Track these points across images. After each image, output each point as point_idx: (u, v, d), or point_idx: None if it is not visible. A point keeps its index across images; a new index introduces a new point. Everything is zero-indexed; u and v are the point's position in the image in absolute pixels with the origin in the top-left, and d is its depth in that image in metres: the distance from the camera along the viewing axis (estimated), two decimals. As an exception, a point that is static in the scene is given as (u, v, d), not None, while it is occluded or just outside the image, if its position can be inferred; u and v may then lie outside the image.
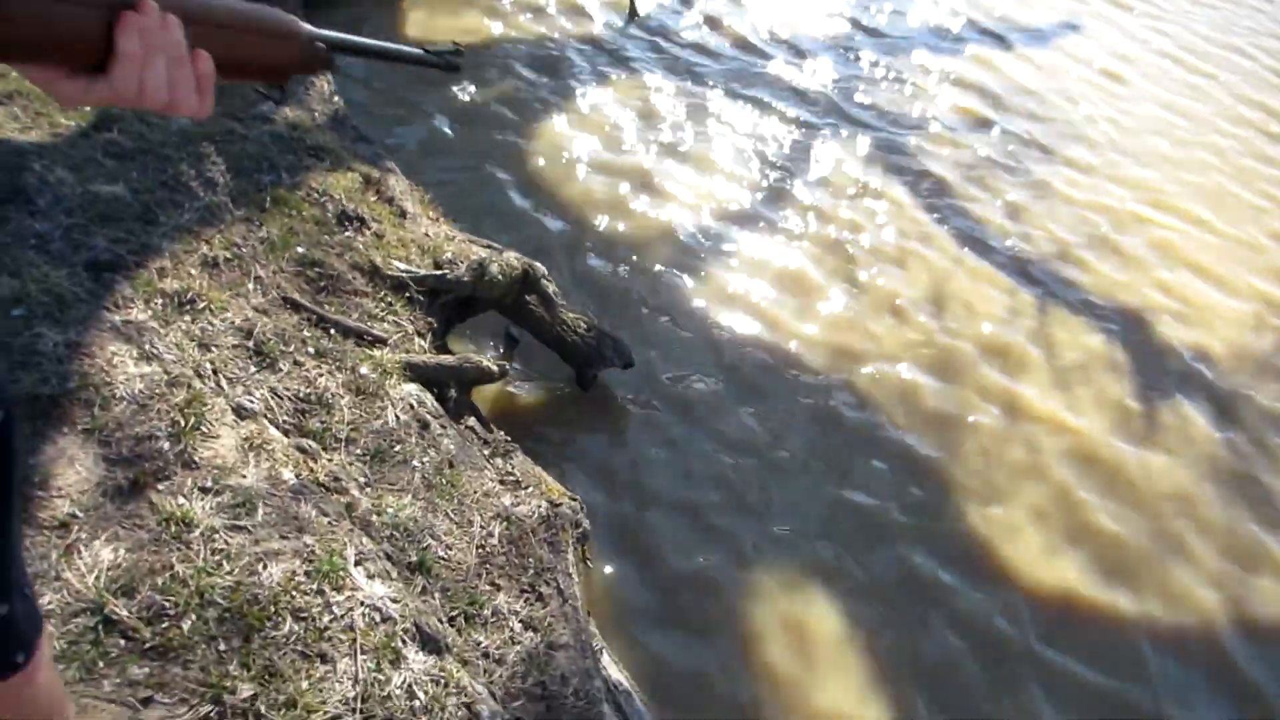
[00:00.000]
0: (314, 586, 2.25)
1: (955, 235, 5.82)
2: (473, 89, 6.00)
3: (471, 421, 3.37)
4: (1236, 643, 3.92)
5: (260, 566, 2.26)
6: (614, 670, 2.97)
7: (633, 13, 7.23)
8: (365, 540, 2.45)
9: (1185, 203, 6.68)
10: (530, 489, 3.02)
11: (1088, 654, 3.73)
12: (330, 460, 2.71)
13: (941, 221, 5.90)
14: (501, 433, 3.32)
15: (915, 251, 5.59)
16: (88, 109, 3.92)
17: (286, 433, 2.76)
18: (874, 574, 3.80)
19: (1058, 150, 6.94)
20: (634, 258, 5.01)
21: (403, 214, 4.02)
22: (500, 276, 3.77)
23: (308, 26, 1.03)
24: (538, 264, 4.01)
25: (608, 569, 3.51)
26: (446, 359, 3.43)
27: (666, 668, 3.29)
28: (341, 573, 2.30)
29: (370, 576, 2.33)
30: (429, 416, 3.10)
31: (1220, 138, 7.63)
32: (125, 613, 2.09)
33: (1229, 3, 10.40)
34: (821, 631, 3.57)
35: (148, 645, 2.06)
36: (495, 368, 3.59)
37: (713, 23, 7.50)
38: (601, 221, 5.19)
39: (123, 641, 2.06)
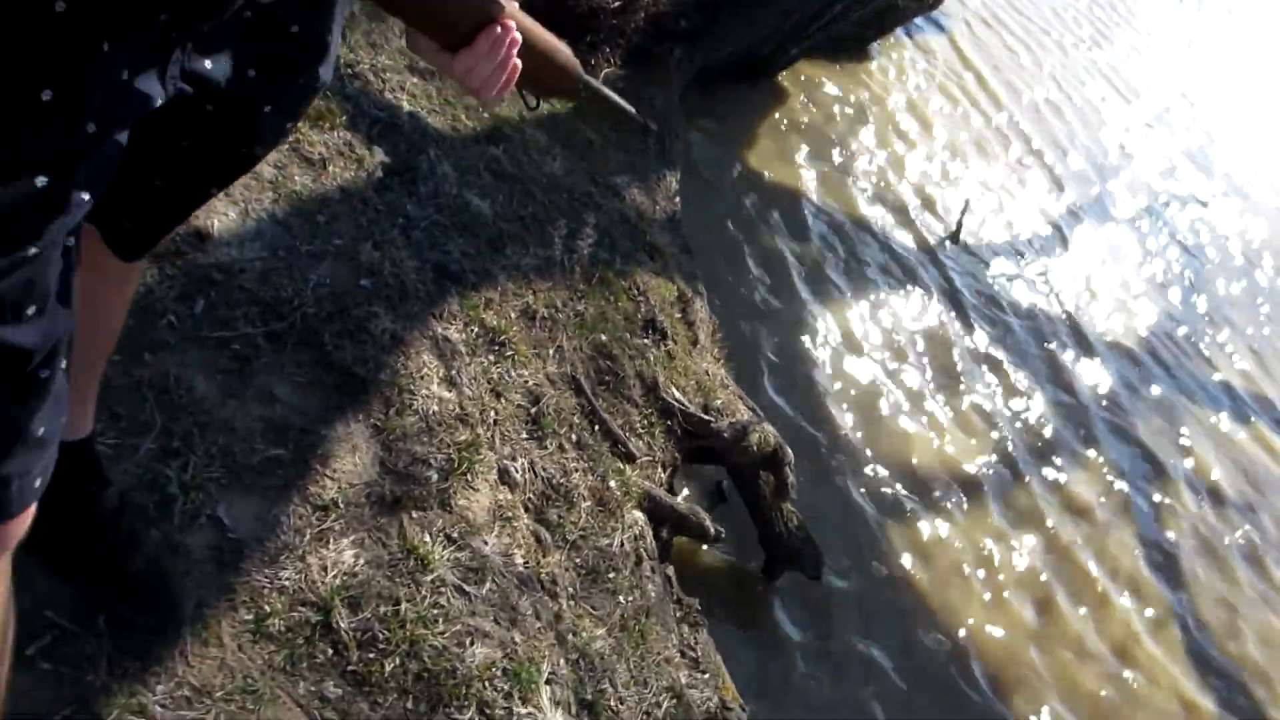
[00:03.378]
0: (505, 687, 2.24)
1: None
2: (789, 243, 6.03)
3: (670, 571, 3.34)
4: None
5: (468, 641, 2.26)
6: None
7: (955, 235, 7.15)
8: (560, 660, 2.43)
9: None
10: (707, 675, 2.96)
11: None
12: (553, 559, 2.72)
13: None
14: (696, 600, 3.27)
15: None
16: (486, 114, 4.15)
17: (528, 511, 2.79)
18: None
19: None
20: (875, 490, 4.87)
21: (694, 342, 4.08)
22: (755, 448, 3.76)
23: (580, 69, 1.30)
24: (789, 448, 3.99)
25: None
26: (679, 503, 3.43)
27: None
28: (532, 685, 2.28)
29: (554, 703, 2.30)
30: (644, 554, 3.09)
31: None
32: (345, 625, 2.12)
33: None
34: None
35: (350, 668, 2.08)
36: (713, 530, 3.57)
37: (1026, 283, 7.29)
38: (858, 437, 5.06)
39: (330, 651, 2.08)
